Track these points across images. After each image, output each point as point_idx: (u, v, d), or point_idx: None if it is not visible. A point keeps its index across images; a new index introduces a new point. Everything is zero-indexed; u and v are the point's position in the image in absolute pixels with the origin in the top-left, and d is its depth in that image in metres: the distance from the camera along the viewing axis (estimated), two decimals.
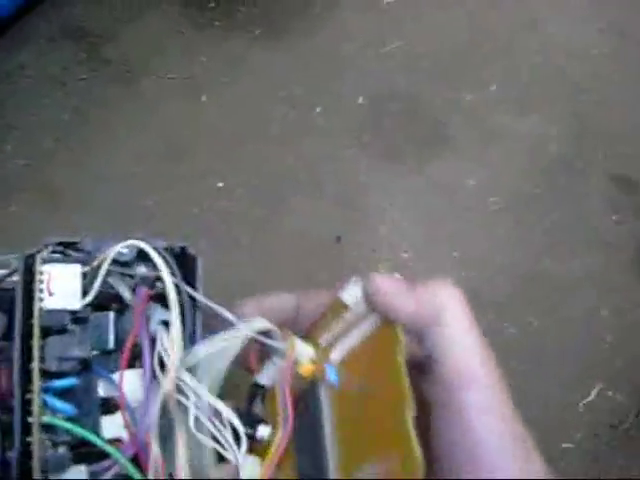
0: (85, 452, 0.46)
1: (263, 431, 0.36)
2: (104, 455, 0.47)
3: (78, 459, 0.46)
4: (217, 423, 0.41)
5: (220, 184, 0.98)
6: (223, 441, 0.39)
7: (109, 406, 0.51)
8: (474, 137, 1.12)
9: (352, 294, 0.39)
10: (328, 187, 1.01)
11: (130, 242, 0.60)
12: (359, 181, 1.03)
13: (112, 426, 0.49)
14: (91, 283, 0.53)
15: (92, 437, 0.47)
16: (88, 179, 0.93)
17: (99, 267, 0.53)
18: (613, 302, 1.05)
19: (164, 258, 0.55)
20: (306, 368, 0.37)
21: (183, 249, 0.62)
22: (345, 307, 0.37)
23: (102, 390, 0.50)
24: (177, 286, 0.45)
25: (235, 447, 0.36)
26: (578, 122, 1.18)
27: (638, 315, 1.05)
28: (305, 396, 0.38)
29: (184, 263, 0.57)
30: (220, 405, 0.44)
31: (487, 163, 1.10)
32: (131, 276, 0.56)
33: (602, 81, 1.23)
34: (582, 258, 1.06)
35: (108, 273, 0.55)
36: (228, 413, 0.40)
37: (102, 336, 0.49)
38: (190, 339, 0.47)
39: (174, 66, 1.08)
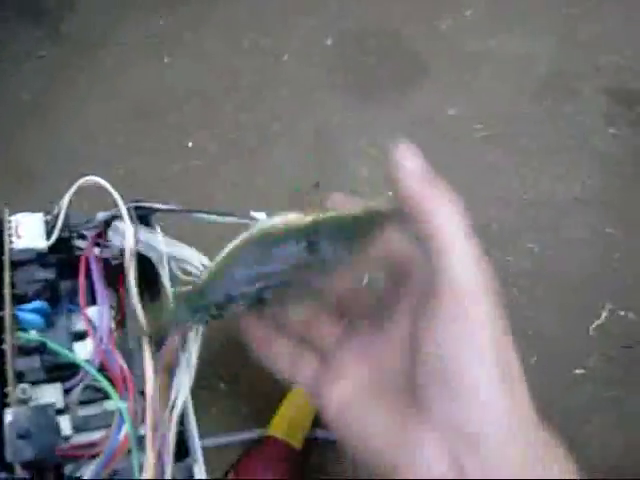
0: (57, 375, 0.53)
1: None
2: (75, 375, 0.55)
3: (52, 380, 0.54)
4: None
5: (190, 143, 0.95)
6: None
7: (79, 335, 0.57)
8: (453, 65, 1.07)
9: None
10: (303, 134, 0.97)
11: (85, 179, 0.61)
12: (336, 124, 0.99)
13: (82, 350, 0.56)
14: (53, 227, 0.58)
15: (62, 350, 0.53)
16: (55, 151, 0.90)
17: (59, 214, 0.58)
18: (618, 219, 1.00)
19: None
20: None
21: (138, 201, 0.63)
22: None
23: (71, 320, 0.57)
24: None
25: None
26: (564, 37, 1.13)
27: None
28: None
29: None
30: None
31: (469, 90, 1.05)
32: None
33: None
34: (581, 176, 1.01)
35: (67, 218, 0.59)
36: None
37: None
38: None
39: (133, 32, 1.05)
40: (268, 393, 0.77)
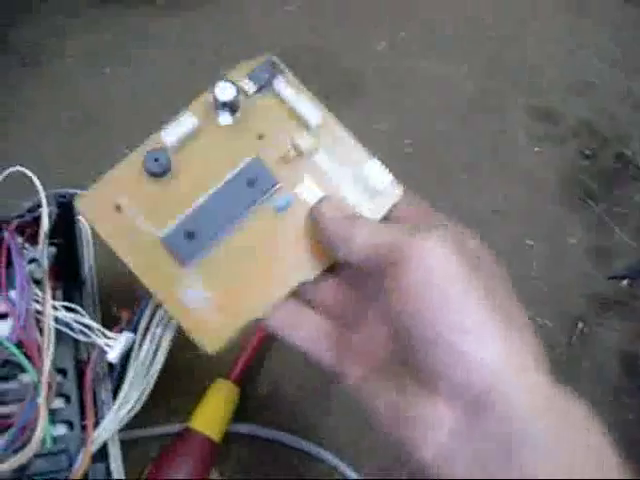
0: None
1: None
2: None
3: None
4: None
5: (127, 150, 0.98)
6: None
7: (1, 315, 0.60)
8: (384, 84, 1.12)
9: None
10: None
11: (11, 169, 0.64)
12: None
13: (3, 329, 0.59)
14: None
15: None
16: None
17: None
18: (538, 231, 1.05)
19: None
20: None
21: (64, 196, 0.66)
22: None
23: None
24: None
25: None
26: (491, 59, 1.18)
27: (564, 242, 1.05)
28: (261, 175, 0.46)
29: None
30: None
31: (398, 108, 1.09)
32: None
33: (513, 18, 1.24)
34: (503, 191, 1.06)
35: None
36: None
37: None
38: None
39: (76, 45, 1.08)
40: (189, 387, 0.80)
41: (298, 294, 0.49)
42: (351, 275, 0.48)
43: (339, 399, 0.84)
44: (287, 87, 0.51)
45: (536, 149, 1.11)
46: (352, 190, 0.48)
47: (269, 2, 1.18)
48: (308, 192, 0.46)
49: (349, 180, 0.49)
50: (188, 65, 1.09)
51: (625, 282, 1.03)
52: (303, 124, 0.50)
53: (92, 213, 0.50)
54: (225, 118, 0.49)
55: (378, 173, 0.49)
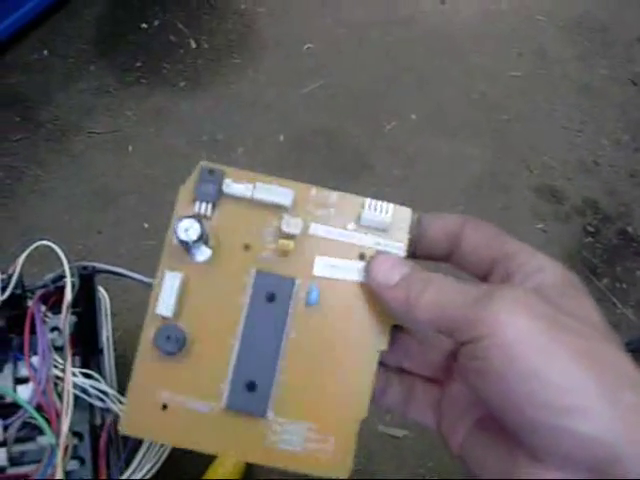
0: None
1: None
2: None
3: None
4: None
5: (146, 225, 1.03)
6: None
7: (23, 380, 0.64)
8: (394, 163, 1.17)
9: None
10: None
11: (38, 243, 0.69)
12: None
13: (24, 392, 0.62)
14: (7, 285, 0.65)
15: (6, 390, 0.60)
16: (20, 224, 0.97)
17: (13, 273, 0.64)
18: None
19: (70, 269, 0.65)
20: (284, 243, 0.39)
21: (85, 268, 0.70)
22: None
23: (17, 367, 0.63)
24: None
25: None
26: (498, 140, 1.23)
27: None
28: (276, 284, 0.40)
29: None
30: None
31: (407, 186, 1.14)
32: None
33: (520, 100, 1.29)
34: None
35: (21, 278, 0.66)
36: None
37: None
38: None
39: (102, 122, 1.14)
40: (198, 459, 0.83)
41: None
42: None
43: None
44: (238, 184, 0.41)
45: (540, 226, 1.14)
46: (365, 238, 0.40)
47: (286, 84, 1.24)
48: (326, 267, 0.41)
49: (356, 231, 0.41)
50: (208, 143, 1.14)
51: None
52: (278, 209, 0.41)
53: (144, 428, 0.42)
54: (203, 253, 0.42)
55: (378, 208, 0.41)
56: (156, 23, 1.27)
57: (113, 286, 0.90)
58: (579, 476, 0.31)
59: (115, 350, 0.76)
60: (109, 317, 0.77)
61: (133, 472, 0.61)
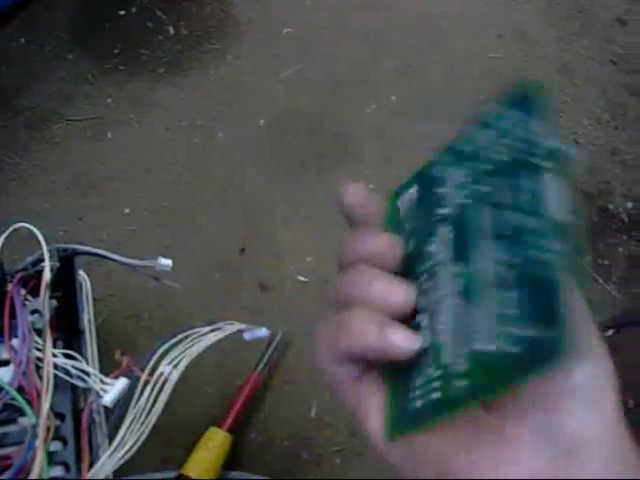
0: None
1: None
2: None
3: None
4: None
5: (127, 210, 1.03)
6: None
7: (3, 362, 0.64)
8: (375, 145, 1.17)
9: None
10: (233, 205, 1.06)
11: (17, 225, 0.68)
12: (262, 196, 1.07)
13: (5, 375, 0.62)
14: None
15: None
16: (1, 218, 0.97)
17: None
18: None
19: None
20: None
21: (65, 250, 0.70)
22: None
23: None
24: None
25: None
26: None
27: None
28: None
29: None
30: None
31: (389, 167, 1.14)
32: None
33: (500, 81, 1.29)
34: None
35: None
36: None
37: None
38: None
39: (81, 110, 1.14)
40: (183, 437, 0.83)
41: None
42: None
43: (330, 449, 0.87)
44: None
45: None
46: None
47: (265, 69, 1.24)
48: None
49: None
50: (187, 129, 1.14)
51: (610, 332, 1.06)
52: None
53: None
54: None
55: None
56: (134, 10, 1.27)
57: (96, 273, 0.90)
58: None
59: (98, 336, 0.76)
60: (90, 300, 0.77)
61: (115, 449, 0.61)
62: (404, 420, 0.32)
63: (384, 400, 0.34)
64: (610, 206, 1.18)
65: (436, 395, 0.30)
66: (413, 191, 0.38)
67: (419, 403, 0.31)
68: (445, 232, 0.33)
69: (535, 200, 0.30)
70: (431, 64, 1.29)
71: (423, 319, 0.32)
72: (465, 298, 0.30)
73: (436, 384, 0.30)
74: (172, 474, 0.82)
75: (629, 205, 1.19)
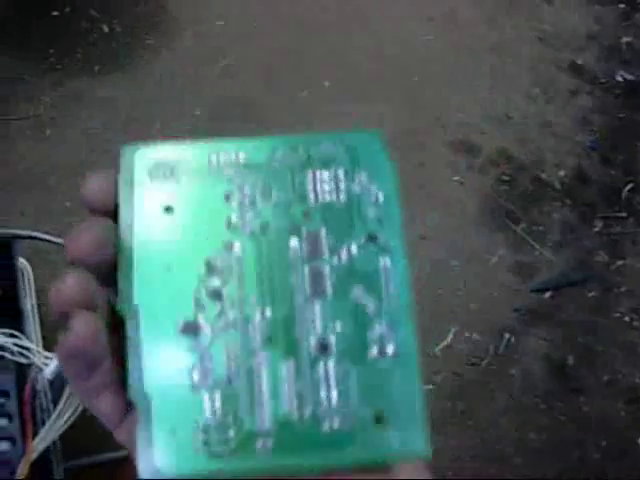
0: None
1: None
2: None
3: None
4: None
5: (68, 204, 1.04)
6: None
7: None
8: (308, 129, 1.19)
9: None
10: None
11: None
12: None
13: None
14: None
15: None
16: None
17: None
18: (463, 253, 1.11)
19: None
20: None
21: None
22: None
23: None
24: None
25: None
26: (412, 101, 1.27)
27: (488, 261, 1.12)
28: None
29: None
30: None
31: None
32: None
33: (432, 61, 1.33)
34: (428, 219, 1.13)
35: None
36: None
37: None
38: None
39: (20, 109, 1.15)
40: None
41: None
42: None
43: None
44: None
45: (457, 178, 1.18)
46: None
47: (200, 61, 1.26)
48: None
49: None
50: (125, 122, 1.16)
51: (548, 294, 1.09)
52: None
53: None
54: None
55: None
56: (67, 10, 1.28)
57: (42, 268, 0.91)
58: None
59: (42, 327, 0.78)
60: (32, 286, 0.78)
61: (59, 415, 0.63)
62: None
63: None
64: (543, 175, 1.22)
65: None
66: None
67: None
68: (239, 247, 0.26)
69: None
70: (362, 48, 1.32)
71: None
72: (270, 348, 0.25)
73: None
74: (124, 453, 0.83)
75: (561, 173, 1.23)
